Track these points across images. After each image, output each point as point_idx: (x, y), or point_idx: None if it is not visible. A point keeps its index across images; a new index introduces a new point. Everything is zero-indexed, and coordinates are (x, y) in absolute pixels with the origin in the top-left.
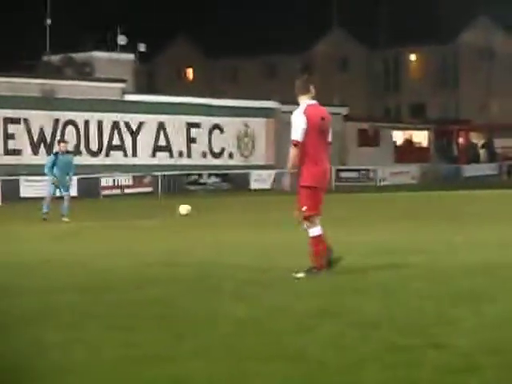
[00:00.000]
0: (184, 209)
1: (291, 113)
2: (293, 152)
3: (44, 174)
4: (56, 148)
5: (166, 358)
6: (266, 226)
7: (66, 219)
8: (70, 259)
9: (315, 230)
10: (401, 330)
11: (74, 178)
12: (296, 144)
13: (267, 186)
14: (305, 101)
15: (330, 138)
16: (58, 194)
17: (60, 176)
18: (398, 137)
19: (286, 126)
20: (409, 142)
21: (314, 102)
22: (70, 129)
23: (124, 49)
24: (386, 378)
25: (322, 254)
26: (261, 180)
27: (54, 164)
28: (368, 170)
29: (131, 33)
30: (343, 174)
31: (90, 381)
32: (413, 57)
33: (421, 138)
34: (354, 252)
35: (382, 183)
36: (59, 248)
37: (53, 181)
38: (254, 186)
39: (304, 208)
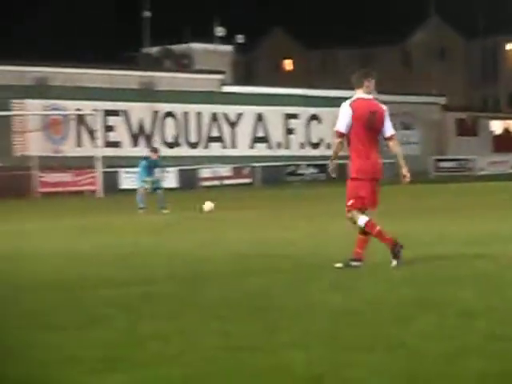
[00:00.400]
0: (208, 206)
1: (389, 103)
2: (334, 142)
3: None
4: (148, 153)
5: (264, 348)
6: None
7: (165, 211)
8: (168, 250)
9: (361, 220)
10: (500, 320)
11: (174, 170)
12: (338, 135)
13: None
14: (358, 94)
15: (390, 132)
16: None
17: (151, 179)
18: (497, 126)
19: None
20: (507, 132)
21: (367, 96)
22: (169, 120)
23: (222, 40)
24: (486, 368)
25: (382, 233)
26: None
27: (147, 167)
28: (467, 160)
29: (229, 24)
30: (442, 164)
31: (188, 370)
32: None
33: None
34: (450, 241)
35: (481, 173)
36: (158, 239)
37: (143, 189)
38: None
39: (350, 202)
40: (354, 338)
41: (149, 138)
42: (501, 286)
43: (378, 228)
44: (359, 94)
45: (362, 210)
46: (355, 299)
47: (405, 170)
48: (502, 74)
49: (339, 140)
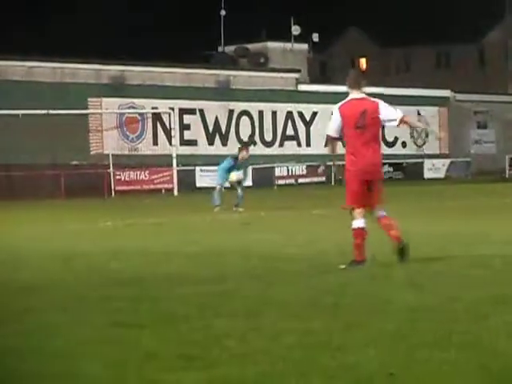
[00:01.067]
0: (235, 176)
1: (464, 101)
2: (328, 146)
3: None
4: (238, 152)
5: (338, 346)
6: (440, 215)
7: (240, 209)
8: (243, 248)
9: (354, 223)
10: None
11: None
12: (330, 138)
13: (441, 175)
14: (351, 95)
15: (394, 116)
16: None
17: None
18: None
19: (459, 114)
20: None
21: (360, 95)
22: (245, 119)
23: (298, 39)
24: None
25: (360, 247)
26: (434, 169)
27: (230, 169)
28: None
29: (305, 23)
30: None
31: (263, 368)
32: None
33: None
34: None
35: None
36: (233, 237)
37: (221, 186)
38: (427, 175)
39: (347, 197)
40: (427, 336)
41: (225, 137)
42: None
43: (359, 241)
44: (353, 94)
45: (356, 210)
46: (430, 297)
47: (425, 128)
48: None
49: (329, 143)
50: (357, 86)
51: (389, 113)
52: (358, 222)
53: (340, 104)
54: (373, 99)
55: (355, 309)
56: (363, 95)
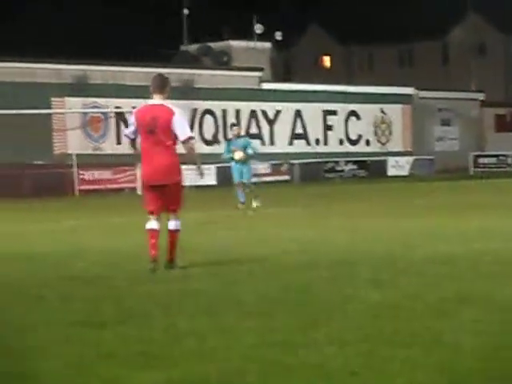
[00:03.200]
0: (238, 154)
1: (428, 99)
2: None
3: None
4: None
5: (301, 344)
6: (403, 212)
7: (256, 204)
8: (208, 247)
9: (147, 224)
10: None
11: (213, 167)
12: (129, 141)
13: (405, 172)
14: (152, 100)
15: (183, 136)
16: (239, 179)
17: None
18: None
19: (423, 112)
20: None
21: (157, 101)
22: (208, 118)
23: (261, 37)
24: None
25: (151, 247)
26: (398, 167)
27: (228, 151)
28: (506, 156)
29: (267, 21)
30: (481, 160)
31: (224, 367)
32: None
33: None
34: (491, 237)
35: None
36: (198, 237)
37: (230, 156)
38: (391, 172)
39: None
40: (390, 333)
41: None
42: None
43: (153, 241)
44: (155, 100)
45: (151, 214)
46: (394, 295)
47: (199, 168)
48: None
49: (129, 145)
50: (157, 91)
51: (180, 129)
52: (150, 224)
53: (136, 109)
54: (172, 109)
55: (318, 307)
56: (162, 102)
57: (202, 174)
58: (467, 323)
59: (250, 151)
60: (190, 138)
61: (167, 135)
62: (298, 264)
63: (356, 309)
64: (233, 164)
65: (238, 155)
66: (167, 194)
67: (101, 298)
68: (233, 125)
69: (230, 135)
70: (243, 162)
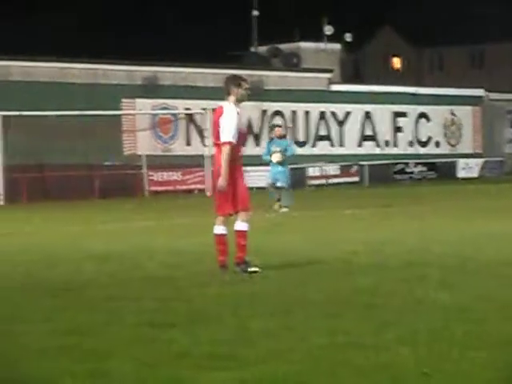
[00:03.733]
0: (276, 157)
1: (498, 101)
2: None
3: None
4: (272, 134)
5: (372, 345)
6: (473, 214)
7: (284, 209)
8: (278, 249)
9: (215, 229)
10: None
11: None
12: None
13: (475, 174)
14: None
15: (219, 139)
16: (277, 184)
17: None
18: None
19: (493, 113)
20: None
21: (223, 103)
22: (278, 120)
23: (330, 39)
24: None
25: (217, 253)
26: (468, 168)
27: (268, 151)
28: None
29: (337, 23)
30: None
31: (296, 367)
32: None
33: None
34: None
35: None
36: (268, 238)
37: (270, 159)
38: (461, 174)
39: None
40: (460, 335)
41: (257, 138)
42: None
43: (218, 247)
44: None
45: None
46: (464, 296)
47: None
48: None
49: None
50: (224, 92)
51: (220, 130)
52: (217, 229)
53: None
54: (223, 109)
55: (388, 308)
56: (224, 103)
57: (221, 186)
58: None
59: (289, 152)
60: (225, 143)
61: (218, 136)
62: (368, 265)
63: (426, 310)
64: (270, 166)
65: (276, 157)
66: (237, 194)
67: (170, 299)
68: (275, 125)
69: (272, 135)
70: (280, 163)
